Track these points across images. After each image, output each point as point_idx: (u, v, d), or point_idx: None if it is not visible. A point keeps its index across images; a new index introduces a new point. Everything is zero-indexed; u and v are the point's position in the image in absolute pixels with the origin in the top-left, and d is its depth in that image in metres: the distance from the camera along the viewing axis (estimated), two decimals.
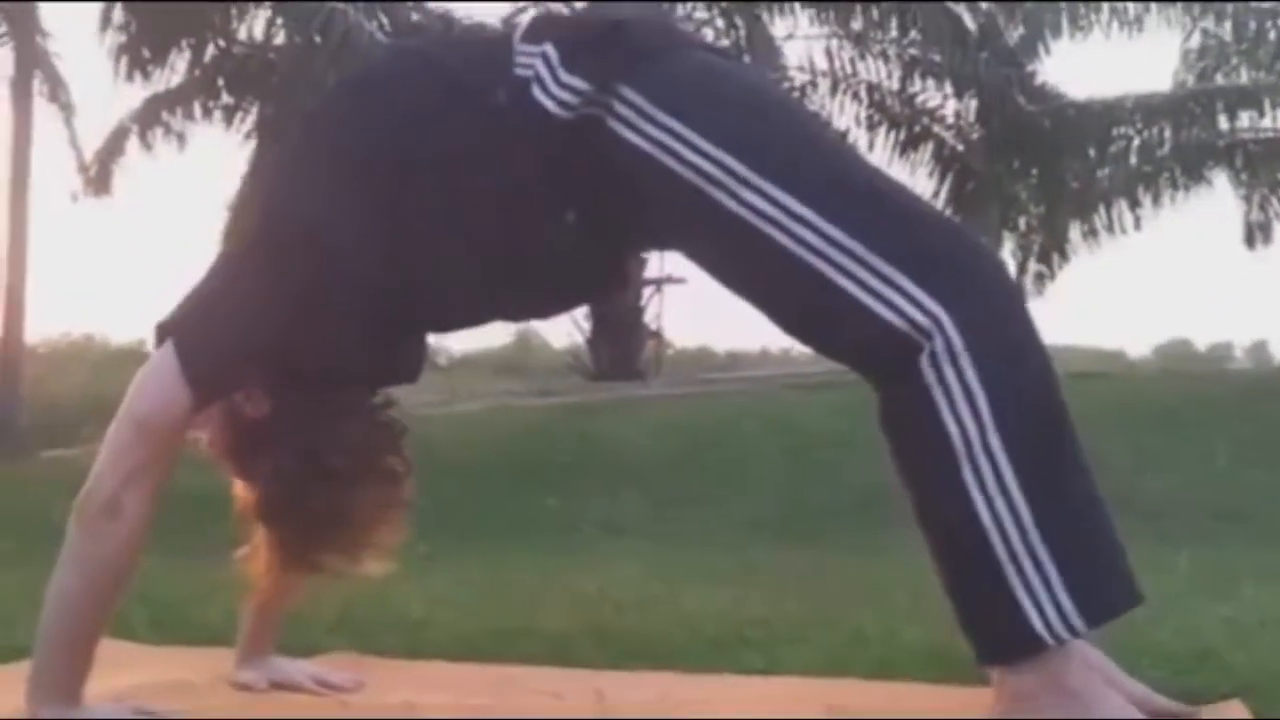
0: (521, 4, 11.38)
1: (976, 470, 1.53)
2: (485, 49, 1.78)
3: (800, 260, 1.57)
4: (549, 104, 1.61)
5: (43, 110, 11.47)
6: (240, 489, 1.93)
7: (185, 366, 1.66)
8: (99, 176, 11.82)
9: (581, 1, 11.52)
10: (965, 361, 1.53)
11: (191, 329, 1.70)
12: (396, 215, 1.68)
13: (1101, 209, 12.44)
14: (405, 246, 1.69)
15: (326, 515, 1.71)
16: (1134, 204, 12.37)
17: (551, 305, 1.94)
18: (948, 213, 12.02)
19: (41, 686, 1.67)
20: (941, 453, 1.54)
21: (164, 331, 1.71)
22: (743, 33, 10.46)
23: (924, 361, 1.54)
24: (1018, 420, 1.54)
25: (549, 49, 1.64)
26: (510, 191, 1.66)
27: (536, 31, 1.69)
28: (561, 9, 11.03)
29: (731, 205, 1.58)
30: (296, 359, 1.70)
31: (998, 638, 1.56)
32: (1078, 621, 1.52)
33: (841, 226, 1.56)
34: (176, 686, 1.99)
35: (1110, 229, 12.50)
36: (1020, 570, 1.52)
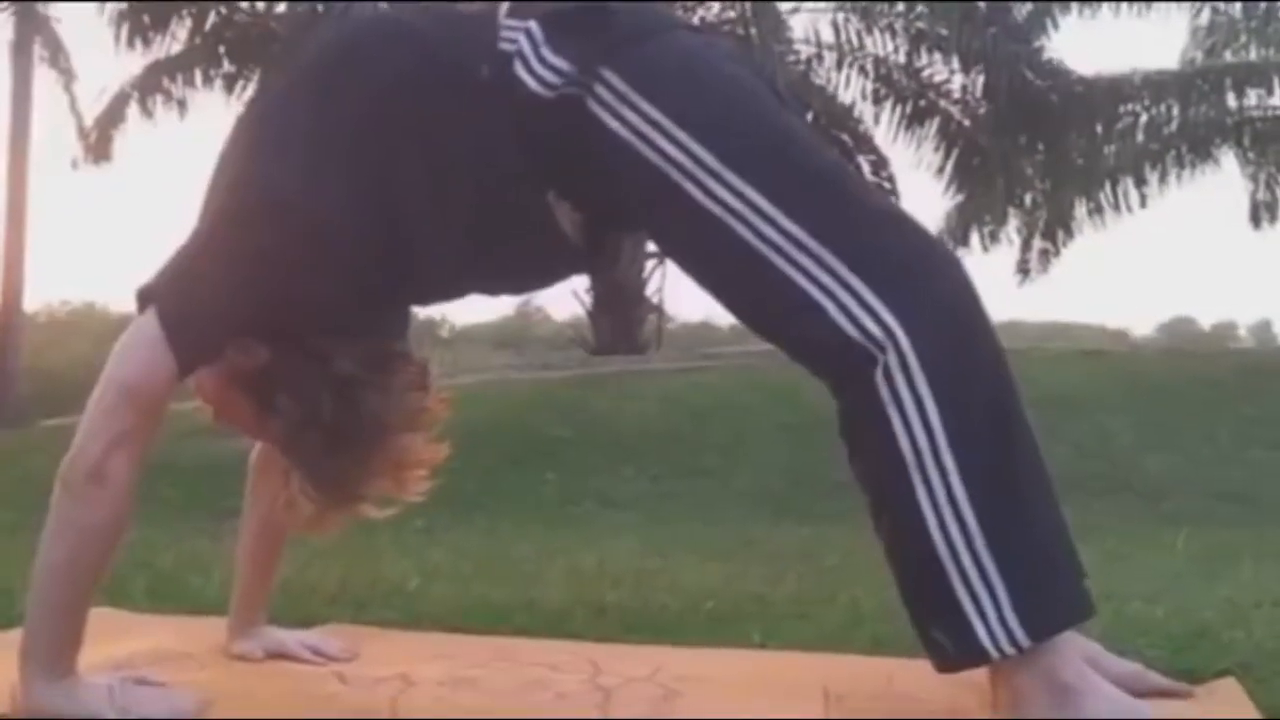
0: None
1: (928, 484, 1.54)
2: (469, 21, 1.77)
3: (761, 257, 1.58)
4: (530, 82, 1.62)
5: (43, 76, 11.47)
6: (264, 450, 1.93)
7: (168, 332, 1.65)
8: (99, 143, 11.82)
9: None
10: (918, 376, 1.54)
11: (174, 295, 1.68)
12: (377, 184, 1.68)
13: (1107, 186, 12.41)
14: (385, 216, 1.69)
15: (358, 426, 1.70)
16: (1140, 181, 12.34)
17: (530, 281, 1.93)
18: (951, 190, 12.04)
19: (33, 657, 1.66)
20: (894, 466, 1.55)
21: (146, 297, 1.70)
22: (748, 4, 10.40)
23: (878, 375, 1.55)
24: (970, 434, 1.55)
25: (533, 26, 1.64)
26: (489, 166, 1.65)
27: (522, 7, 1.68)
28: None
29: (699, 196, 1.59)
30: (279, 323, 1.70)
31: (945, 648, 1.58)
32: (1021, 636, 1.53)
33: (805, 226, 1.57)
34: (174, 656, 1.99)
35: (1116, 206, 12.49)
36: (968, 584, 1.53)
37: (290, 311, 1.70)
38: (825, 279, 1.56)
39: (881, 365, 1.55)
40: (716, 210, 1.59)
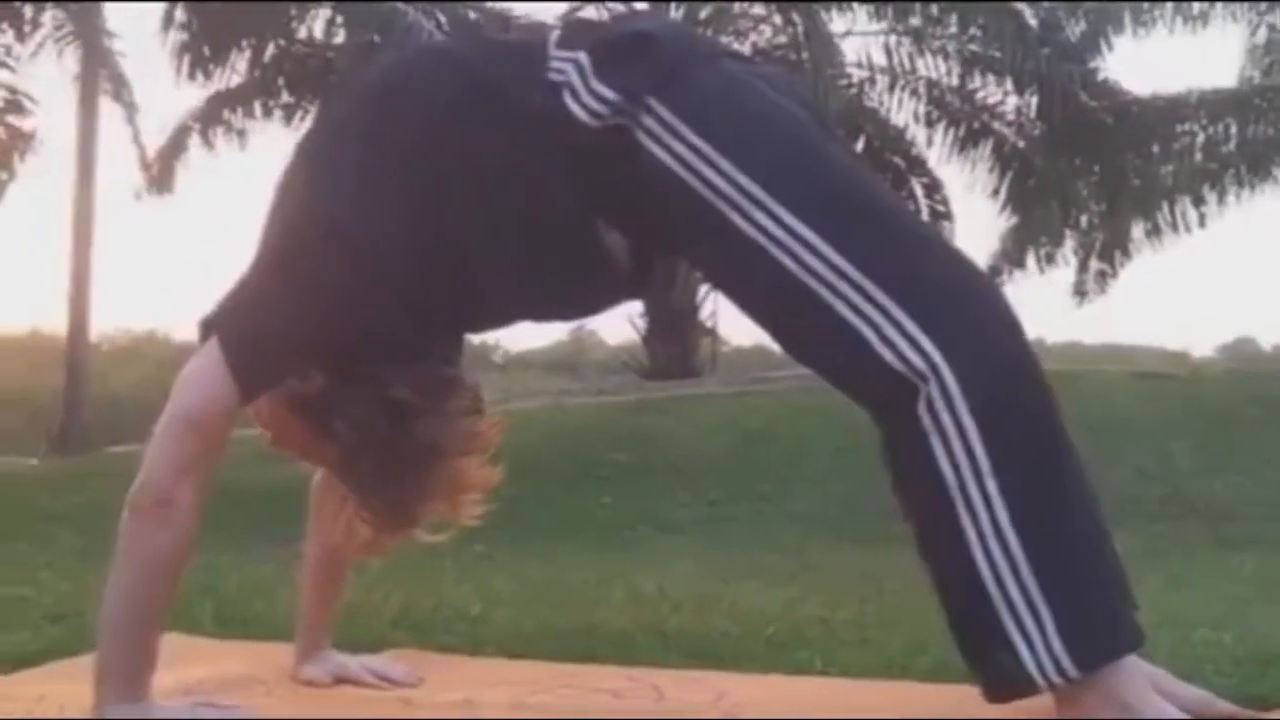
0: (578, 3, 11.40)
1: (972, 513, 1.54)
2: (518, 51, 1.80)
3: (805, 287, 1.59)
4: (579, 112, 1.64)
5: (106, 109, 11.66)
6: (325, 476, 1.96)
7: (230, 361, 1.69)
8: (161, 174, 12.00)
9: (638, 2, 11.51)
10: (961, 406, 1.55)
11: (235, 324, 1.72)
12: (428, 210, 1.71)
13: (1165, 206, 12.27)
14: (437, 241, 1.72)
15: (414, 450, 1.73)
16: (1198, 201, 12.19)
17: (580, 307, 1.96)
18: (1006, 212, 11.97)
19: (108, 681, 1.69)
20: (938, 496, 1.56)
21: (208, 327, 1.74)
22: (800, 29, 10.41)
23: (921, 405, 1.55)
24: (1014, 462, 1.55)
25: (583, 57, 1.67)
26: (539, 194, 1.68)
27: (571, 38, 1.71)
28: (618, 8, 11.05)
29: (743, 225, 1.61)
30: (336, 349, 1.73)
31: (994, 677, 1.58)
32: (1069, 665, 1.53)
33: (848, 255, 1.59)
34: (242, 681, 2.02)
35: (1174, 227, 12.34)
36: (1014, 613, 1.54)
37: (347, 337, 1.72)
38: (868, 309, 1.58)
39: (924, 395, 1.55)
40: (760, 239, 1.60)
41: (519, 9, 10.83)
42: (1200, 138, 11.94)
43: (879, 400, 1.61)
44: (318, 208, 1.75)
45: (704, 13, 10.91)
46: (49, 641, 2.41)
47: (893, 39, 11.76)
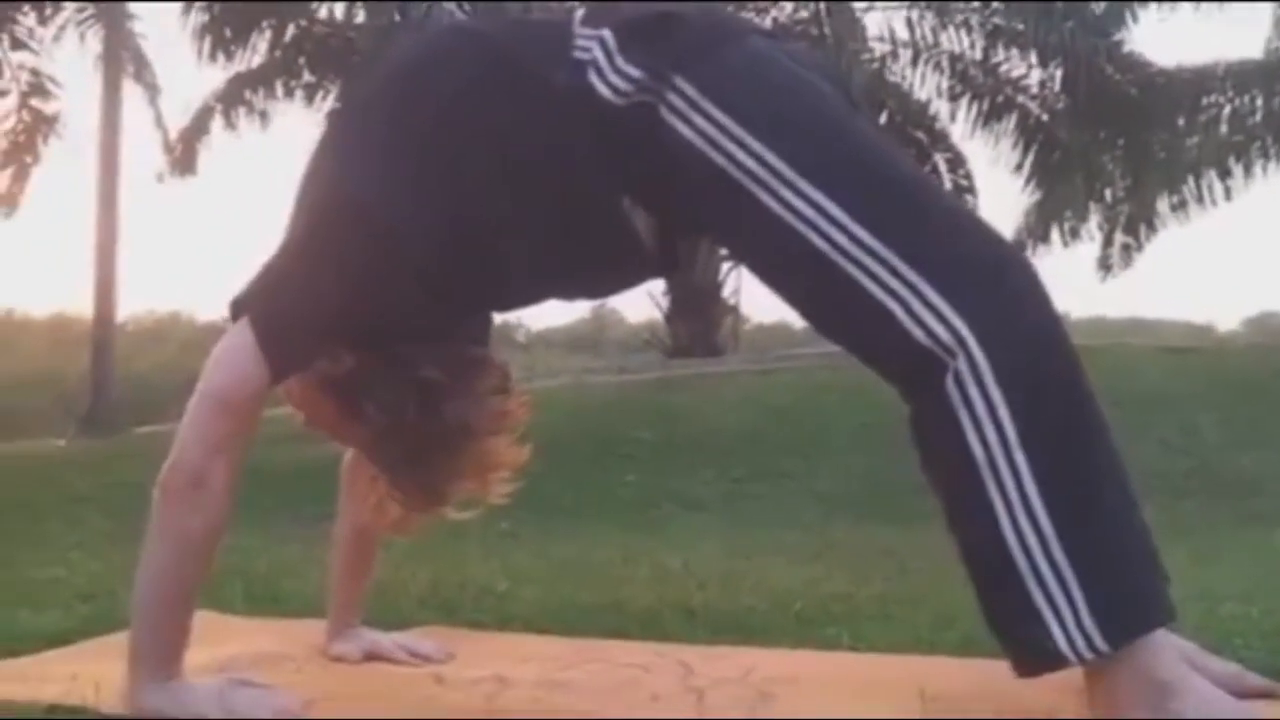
0: None
1: (1001, 488, 1.54)
2: (542, 30, 1.81)
3: (831, 263, 1.59)
4: (604, 90, 1.64)
5: (129, 91, 11.68)
6: (357, 456, 1.97)
7: (260, 341, 1.70)
8: (184, 156, 12.03)
9: None
10: (989, 380, 1.54)
11: (265, 305, 1.73)
12: (453, 195, 1.71)
13: (1190, 179, 12.17)
14: (461, 221, 1.72)
15: (443, 430, 1.76)
16: (1224, 174, 12.08)
17: (607, 285, 1.96)
18: (1030, 186, 11.90)
19: (141, 660, 1.71)
20: (966, 470, 1.55)
21: (239, 307, 1.75)
22: (823, 4, 10.35)
23: (949, 381, 1.55)
24: (1043, 436, 1.54)
25: (607, 35, 1.67)
26: (565, 172, 1.68)
27: (596, 16, 1.71)
28: None
29: (769, 202, 1.60)
30: (366, 329, 1.75)
31: (1024, 652, 1.58)
32: (1099, 640, 1.53)
33: (875, 231, 1.58)
34: (274, 658, 2.04)
35: (1199, 200, 12.24)
36: (1044, 587, 1.53)
37: (375, 318, 1.74)
38: (895, 284, 1.57)
39: (952, 370, 1.55)
40: (787, 216, 1.60)
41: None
42: (1226, 110, 11.83)
43: (907, 376, 1.61)
44: (342, 191, 1.76)
45: None
46: (81, 620, 2.44)
47: (915, 13, 11.69)
